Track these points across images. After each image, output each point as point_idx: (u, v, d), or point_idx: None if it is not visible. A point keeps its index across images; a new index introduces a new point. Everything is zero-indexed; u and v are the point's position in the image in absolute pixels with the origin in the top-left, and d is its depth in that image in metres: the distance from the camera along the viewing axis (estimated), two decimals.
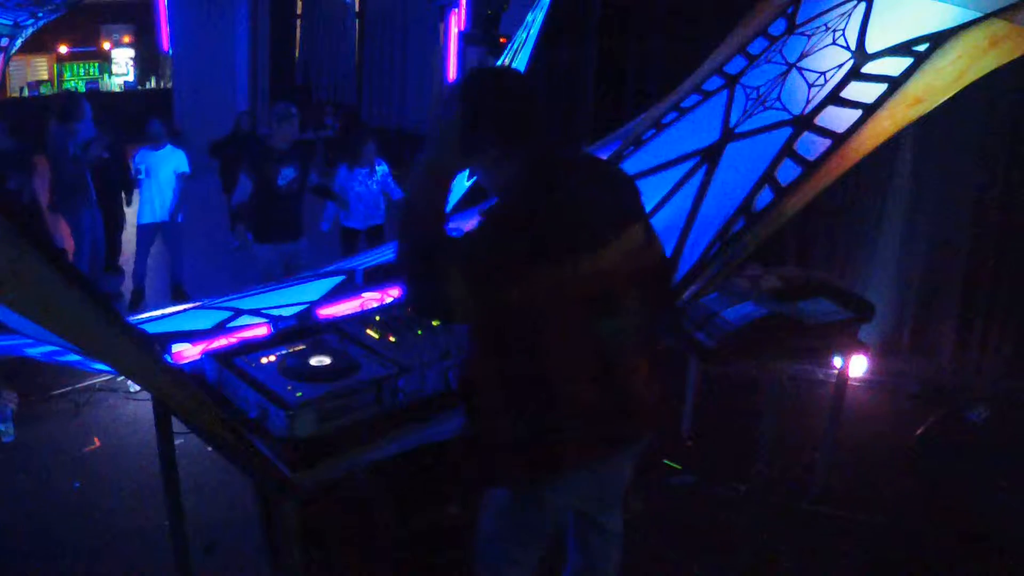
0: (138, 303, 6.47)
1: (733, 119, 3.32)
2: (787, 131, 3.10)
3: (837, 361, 3.94)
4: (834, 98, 3.05)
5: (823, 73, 3.13)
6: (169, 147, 6.57)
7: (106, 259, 6.85)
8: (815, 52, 3.21)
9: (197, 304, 3.34)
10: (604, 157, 3.53)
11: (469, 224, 3.79)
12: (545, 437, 2.13)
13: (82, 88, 13.88)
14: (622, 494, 2.48)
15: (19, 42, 9.56)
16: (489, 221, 2.05)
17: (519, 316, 2.04)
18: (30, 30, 9.39)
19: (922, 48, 2.89)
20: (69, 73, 15.09)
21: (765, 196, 3.06)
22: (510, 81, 2.23)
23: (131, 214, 7.06)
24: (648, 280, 2.27)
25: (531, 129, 2.08)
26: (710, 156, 3.26)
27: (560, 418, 2.13)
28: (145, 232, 6.58)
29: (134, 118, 7.98)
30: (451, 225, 3.97)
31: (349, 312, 3.07)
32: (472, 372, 2.24)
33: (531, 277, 1.98)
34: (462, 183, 4.63)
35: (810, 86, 3.15)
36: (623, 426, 2.25)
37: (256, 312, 3.02)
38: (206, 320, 2.92)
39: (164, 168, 6.46)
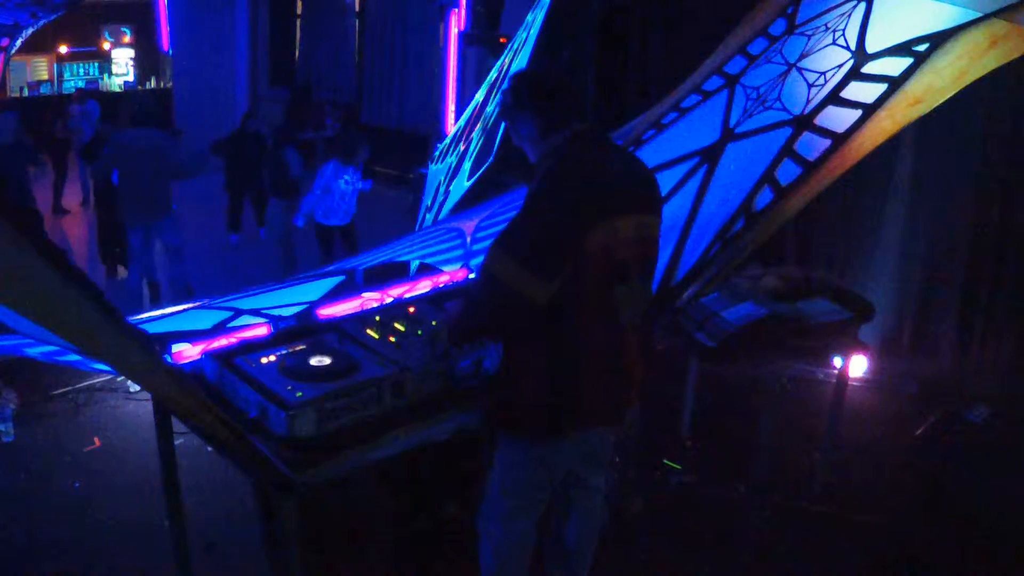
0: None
1: (733, 119, 3.32)
2: (787, 131, 3.10)
3: (837, 361, 3.94)
4: (834, 98, 3.05)
5: (823, 73, 3.13)
6: None
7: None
8: (815, 52, 3.21)
9: (197, 304, 3.34)
10: None
11: (469, 224, 3.79)
12: (568, 396, 2.40)
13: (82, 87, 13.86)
14: (607, 458, 2.78)
15: (19, 42, 9.55)
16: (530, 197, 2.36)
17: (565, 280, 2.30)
18: (30, 30, 9.38)
19: (922, 48, 2.89)
20: (69, 73, 15.08)
21: (765, 196, 3.06)
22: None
23: None
24: (649, 268, 2.53)
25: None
26: (710, 156, 3.26)
27: (582, 379, 2.39)
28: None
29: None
30: (452, 224, 3.98)
31: (349, 312, 3.07)
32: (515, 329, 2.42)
33: (574, 240, 2.26)
34: (462, 183, 4.63)
35: (810, 86, 3.14)
36: (625, 394, 2.56)
37: (256, 312, 3.02)
38: (206, 320, 2.92)
39: None
